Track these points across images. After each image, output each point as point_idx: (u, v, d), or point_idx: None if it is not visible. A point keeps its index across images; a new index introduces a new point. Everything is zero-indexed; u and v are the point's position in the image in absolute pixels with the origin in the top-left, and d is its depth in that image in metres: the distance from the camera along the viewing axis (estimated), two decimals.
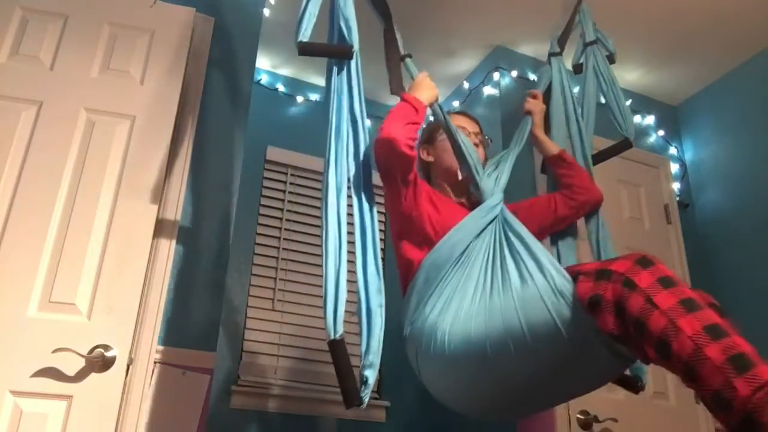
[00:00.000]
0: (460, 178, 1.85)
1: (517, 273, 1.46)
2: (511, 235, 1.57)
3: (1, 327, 1.73)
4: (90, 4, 2.19)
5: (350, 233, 1.56)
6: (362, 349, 1.45)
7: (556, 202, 1.91)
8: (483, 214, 1.65)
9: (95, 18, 2.16)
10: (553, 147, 2.03)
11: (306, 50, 1.64)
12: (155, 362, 1.90)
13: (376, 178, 1.67)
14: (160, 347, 1.93)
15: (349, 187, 1.61)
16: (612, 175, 2.98)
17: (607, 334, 1.23)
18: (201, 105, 2.28)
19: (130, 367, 1.83)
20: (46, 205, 1.87)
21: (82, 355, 1.72)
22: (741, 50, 3.09)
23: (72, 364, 1.73)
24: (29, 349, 1.72)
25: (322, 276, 1.47)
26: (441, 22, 3.00)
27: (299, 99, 3.35)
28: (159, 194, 2.00)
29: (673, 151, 3.38)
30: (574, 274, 1.35)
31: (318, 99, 3.36)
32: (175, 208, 2.10)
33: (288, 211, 3.14)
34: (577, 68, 2.40)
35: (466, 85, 3.30)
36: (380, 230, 1.68)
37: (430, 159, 1.94)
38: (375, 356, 1.43)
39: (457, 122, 1.94)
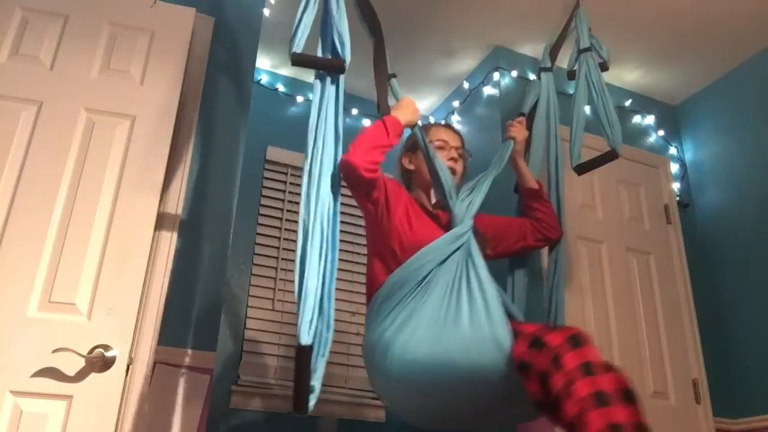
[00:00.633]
0: (433, 202, 1.93)
1: (468, 313, 1.57)
2: (471, 272, 1.67)
3: (1, 327, 1.73)
4: (90, 4, 2.19)
5: None
6: (313, 362, 1.48)
7: (526, 232, 2.06)
8: (450, 241, 1.73)
9: (95, 18, 2.16)
10: (532, 180, 2.13)
11: (299, 61, 1.69)
12: (155, 362, 1.90)
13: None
14: (160, 347, 1.93)
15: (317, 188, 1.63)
16: (612, 175, 2.99)
17: (530, 396, 1.39)
18: (201, 105, 2.28)
19: (130, 367, 1.83)
20: (46, 205, 1.87)
21: (82, 355, 1.72)
22: (741, 50, 3.09)
23: (72, 364, 1.73)
24: (29, 349, 1.72)
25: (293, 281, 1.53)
26: (441, 22, 3.00)
27: (299, 99, 3.35)
28: (159, 194, 2.00)
29: (673, 151, 3.38)
30: (515, 332, 1.51)
31: None
32: (175, 207, 2.10)
33: (288, 211, 3.14)
34: (571, 75, 2.41)
35: (466, 85, 3.30)
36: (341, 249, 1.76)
37: (411, 167, 2.01)
38: (322, 370, 1.49)
39: (439, 135, 2.01)
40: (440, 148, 1.96)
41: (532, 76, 3.06)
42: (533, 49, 3.12)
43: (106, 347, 1.76)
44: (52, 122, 1.97)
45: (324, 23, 1.80)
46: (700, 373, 2.82)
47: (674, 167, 3.33)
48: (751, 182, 2.99)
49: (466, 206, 1.85)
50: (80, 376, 1.73)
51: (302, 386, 1.42)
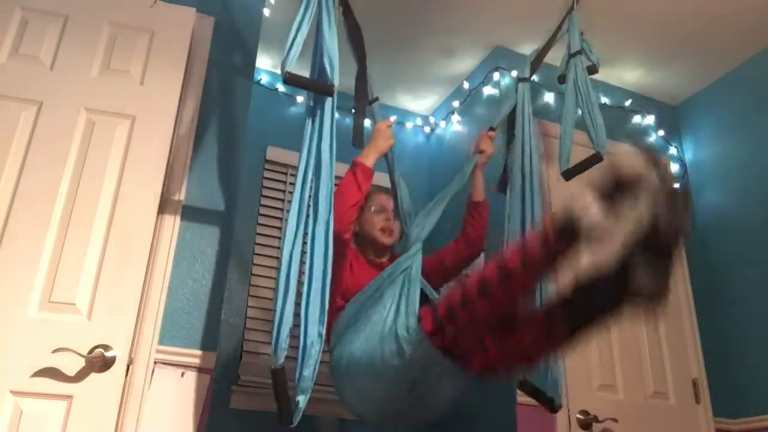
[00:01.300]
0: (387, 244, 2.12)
1: (393, 310, 1.77)
2: (409, 278, 1.88)
3: (1, 327, 1.73)
4: (90, 4, 2.19)
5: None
6: (296, 376, 1.59)
7: (444, 259, 2.21)
8: (395, 268, 1.91)
9: (95, 18, 2.17)
10: (481, 195, 2.25)
11: (291, 81, 1.75)
12: (155, 362, 1.90)
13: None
14: (160, 347, 1.93)
15: (308, 215, 1.73)
16: None
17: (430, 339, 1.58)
18: (201, 105, 2.28)
19: (130, 367, 1.83)
20: (45, 205, 1.87)
21: (82, 355, 1.72)
22: (741, 50, 3.09)
23: (72, 364, 1.73)
24: (29, 349, 1.72)
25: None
26: (441, 22, 3.00)
27: (299, 99, 3.34)
28: (159, 194, 2.01)
29: (673, 151, 3.38)
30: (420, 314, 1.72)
31: None
32: (175, 208, 2.10)
33: (288, 211, 3.13)
34: (561, 79, 2.42)
35: (466, 85, 3.30)
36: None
37: (357, 229, 2.14)
38: (308, 383, 1.60)
39: (379, 200, 2.15)
40: (378, 212, 2.14)
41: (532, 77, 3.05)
42: (533, 49, 3.11)
43: (106, 347, 1.76)
44: (52, 122, 1.97)
45: (316, 44, 1.84)
46: (700, 373, 2.82)
47: (674, 167, 3.33)
48: (751, 182, 2.99)
49: (419, 230, 2.05)
50: (80, 376, 1.73)
51: (281, 404, 1.56)
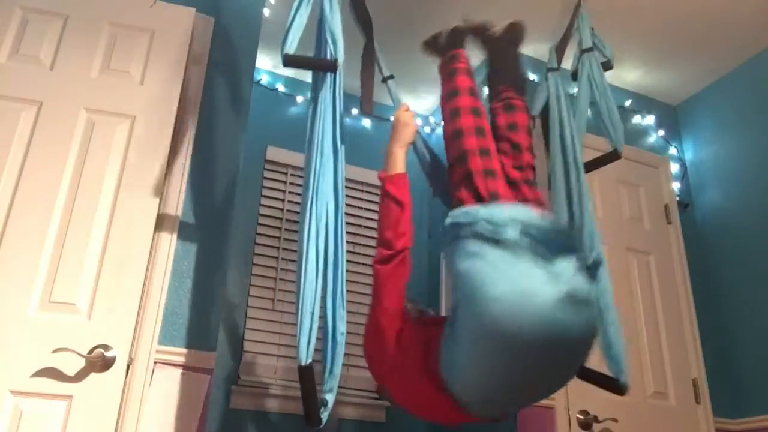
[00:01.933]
0: None
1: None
2: None
3: (1, 327, 1.73)
4: (90, 4, 2.19)
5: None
6: (325, 375, 1.54)
7: None
8: None
9: (95, 18, 2.17)
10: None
11: (291, 62, 1.70)
12: (155, 362, 1.90)
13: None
14: (160, 347, 1.93)
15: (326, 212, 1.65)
16: (612, 175, 2.98)
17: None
18: (201, 105, 2.28)
19: (130, 367, 1.83)
20: (46, 205, 1.87)
21: (82, 355, 1.72)
22: (741, 50, 3.09)
23: (72, 364, 1.73)
24: (29, 349, 1.72)
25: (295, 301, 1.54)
26: (441, 21, 2.99)
27: (299, 99, 3.35)
28: (159, 194, 2.01)
29: (673, 151, 3.38)
30: None
31: None
32: (175, 208, 2.10)
33: (288, 211, 3.13)
34: (574, 75, 2.40)
35: None
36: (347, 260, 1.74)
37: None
38: (335, 381, 1.53)
39: None
40: None
41: (532, 76, 3.05)
42: (533, 49, 3.10)
43: (106, 347, 1.76)
44: (52, 122, 1.97)
45: (319, 25, 1.82)
46: (700, 373, 2.82)
47: (674, 167, 3.33)
48: (752, 182, 2.99)
49: None
50: (80, 376, 1.73)
51: (310, 403, 1.48)
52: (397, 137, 1.82)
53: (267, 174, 3.18)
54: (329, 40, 1.74)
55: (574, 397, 2.44)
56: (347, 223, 3.05)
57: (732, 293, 2.96)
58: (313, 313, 1.52)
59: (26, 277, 1.79)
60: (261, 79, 3.28)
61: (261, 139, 3.13)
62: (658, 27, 2.96)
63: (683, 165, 3.37)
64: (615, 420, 2.43)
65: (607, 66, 2.36)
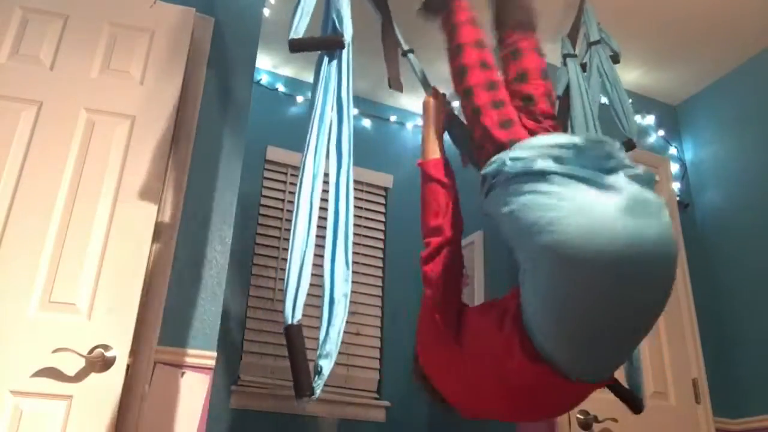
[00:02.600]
0: None
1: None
2: None
3: (1, 327, 1.73)
4: (90, 4, 2.19)
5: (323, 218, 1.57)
6: (320, 338, 1.43)
7: None
8: None
9: (95, 18, 2.16)
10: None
11: (297, 46, 1.66)
12: (155, 362, 1.90)
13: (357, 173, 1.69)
14: (160, 347, 1.93)
15: (326, 174, 1.60)
16: None
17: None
18: (201, 105, 2.28)
19: (130, 367, 1.83)
20: (46, 205, 1.87)
21: (82, 355, 1.72)
22: (741, 50, 3.09)
23: (72, 364, 1.73)
24: (29, 349, 1.72)
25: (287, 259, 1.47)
26: None
27: (299, 99, 3.35)
28: (159, 194, 2.01)
29: (673, 151, 3.38)
30: None
31: None
32: (175, 207, 2.10)
33: (288, 211, 3.13)
34: (582, 67, 2.40)
35: None
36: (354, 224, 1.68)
37: None
38: (333, 346, 1.42)
39: None
40: None
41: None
42: None
43: (106, 347, 1.76)
44: (52, 122, 1.97)
45: (326, 9, 1.79)
46: (700, 373, 2.82)
47: (674, 167, 3.33)
48: (751, 182, 2.99)
49: None
50: (80, 376, 1.73)
51: (299, 369, 1.36)
52: (429, 123, 1.82)
53: (267, 174, 3.18)
54: (335, 18, 1.71)
55: None
56: None
57: (732, 293, 2.96)
58: (302, 268, 1.44)
59: (26, 277, 1.79)
60: (261, 79, 3.28)
61: (261, 139, 3.13)
62: (658, 27, 2.96)
63: (683, 165, 3.37)
64: (615, 420, 2.43)
65: (614, 59, 2.38)
